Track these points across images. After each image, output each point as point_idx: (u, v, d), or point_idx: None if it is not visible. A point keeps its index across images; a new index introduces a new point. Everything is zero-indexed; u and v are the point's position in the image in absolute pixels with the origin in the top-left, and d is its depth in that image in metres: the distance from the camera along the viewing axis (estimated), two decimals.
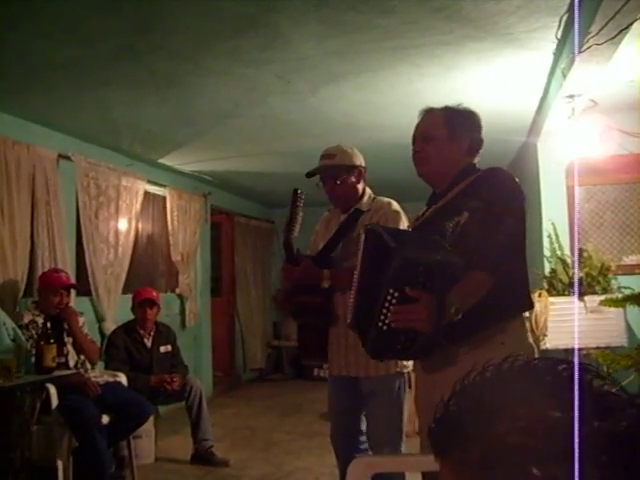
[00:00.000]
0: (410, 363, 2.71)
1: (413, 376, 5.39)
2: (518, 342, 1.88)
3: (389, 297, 1.73)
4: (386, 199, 2.82)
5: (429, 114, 2.12)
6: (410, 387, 2.73)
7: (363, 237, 2.04)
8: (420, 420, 2.11)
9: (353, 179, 2.79)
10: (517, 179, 1.97)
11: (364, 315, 1.91)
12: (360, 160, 2.84)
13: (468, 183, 1.95)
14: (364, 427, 2.84)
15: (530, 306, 2.04)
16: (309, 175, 2.82)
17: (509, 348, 1.58)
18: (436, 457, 0.64)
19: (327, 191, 2.83)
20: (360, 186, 2.83)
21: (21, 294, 4.22)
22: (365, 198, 2.83)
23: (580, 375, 0.59)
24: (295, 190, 2.68)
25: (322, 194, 2.88)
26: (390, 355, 1.86)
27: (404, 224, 2.69)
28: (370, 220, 2.69)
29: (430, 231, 1.95)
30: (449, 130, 2.04)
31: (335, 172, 2.77)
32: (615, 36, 2.69)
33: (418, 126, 2.13)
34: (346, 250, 2.72)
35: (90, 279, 5.02)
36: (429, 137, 2.06)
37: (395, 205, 2.78)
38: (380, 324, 1.75)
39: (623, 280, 4.24)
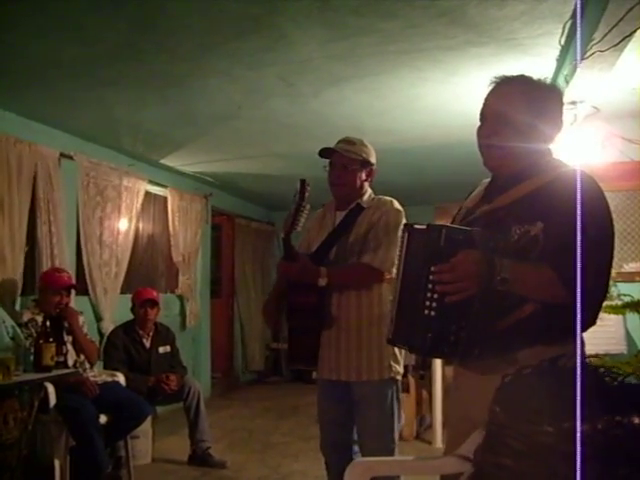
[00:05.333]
0: (401, 369, 2.64)
1: (412, 381, 5.33)
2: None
3: (431, 277, 1.53)
4: (388, 198, 2.73)
5: (504, 87, 1.73)
6: (408, 391, 2.64)
7: (406, 238, 1.74)
8: (452, 427, 1.88)
9: (363, 175, 2.71)
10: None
11: (407, 319, 1.69)
12: (374, 160, 2.76)
13: (545, 182, 1.63)
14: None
15: (593, 323, 1.67)
16: (322, 153, 2.70)
17: None
18: None
19: (333, 176, 2.71)
20: (366, 184, 2.75)
21: (19, 292, 4.21)
22: (366, 196, 2.74)
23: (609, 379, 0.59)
24: (302, 181, 2.49)
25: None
26: (445, 350, 1.60)
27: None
28: (371, 217, 2.62)
29: (492, 231, 1.63)
30: (530, 111, 1.66)
31: (349, 160, 2.66)
32: (618, 43, 2.69)
33: (489, 100, 1.75)
34: (342, 250, 2.63)
35: (87, 278, 5.03)
36: (504, 119, 1.69)
37: (397, 204, 2.70)
38: (427, 311, 1.55)
39: (623, 287, 4.23)
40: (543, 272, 1.54)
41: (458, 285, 1.51)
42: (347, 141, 2.71)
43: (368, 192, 2.77)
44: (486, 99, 1.77)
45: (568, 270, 1.47)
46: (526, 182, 1.66)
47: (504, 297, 1.58)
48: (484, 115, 1.76)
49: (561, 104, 1.75)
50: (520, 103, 1.68)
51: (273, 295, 2.78)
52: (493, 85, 1.75)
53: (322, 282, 2.52)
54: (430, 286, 1.54)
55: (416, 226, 1.70)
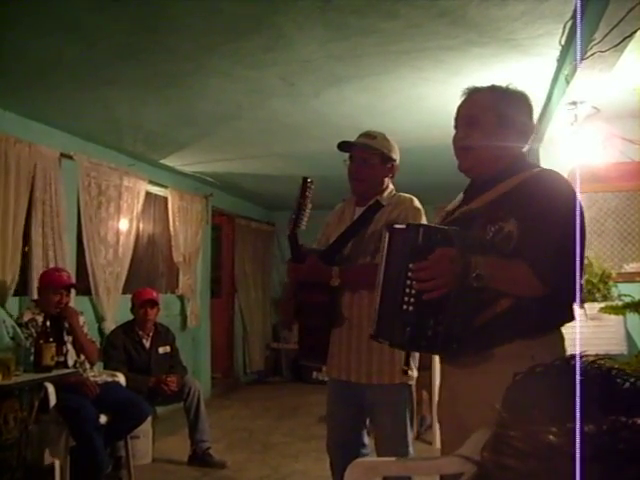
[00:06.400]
0: (415, 374, 2.58)
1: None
2: (552, 357, 1.65)
3: (410, 273, 1.60)
4: (408, 195, 2.64)
5: (474, 95, 1.85)
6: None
7: (387, 238, 1.80)
8: (443, 426, 1.92)
9: (383, 170, 2.63)
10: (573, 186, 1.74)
11: (388, 315, 1.75)
12: (397, 156, 2.67)
13: (518, 182, 1.71)
14: (366, 439, 2.69)
15: (571, 318, 1.72)
16: (342, 146, 2.64)
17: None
18: None
19: (352, 170, 2.64)
20: (387, 180, 2.68)
21: (12, 292, 4.18)
22: (386, 192, 2.65)
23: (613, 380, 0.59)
24: (305, 179, 2.47)
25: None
26: (424, 344, 1.65)
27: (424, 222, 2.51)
28: (389, 215, 2.54)
29: (468, 230, 1.72)
30: (498, 113, 1.78)
31: (369, 153, 2.60)
32: (619, 43, 2.69)
33: (461, 108, 1.87)
34: (357, 247, 2.56)
35: (90, 278, 5.02)
36: (475, 121, 1.81)
37: (417, 202, 2.61)
38: (405, 307, 1.61)
39: (623, 288, 4.24)
40: (517, 267, 1.60)
41: (434, 282, 1.57)
42: (368, 135, 2.65)
43: (389, 188, 2.69)
44: (458, 108, 1.88)
45: (542, 264, 1.58)
46: (501, 184, 1.74)
47: (481, 293, 1.63)
48: (457, 122, 1.88)
49: (529, 109, 1.85)
50: (487, 107, 1.79)
51: (288, 294, 2.73)
52: (465, 96, 1.87)
53: (335, 282, 2.49)
54: (408, 282, 1.61)
55: (396, 226, 1.78)
